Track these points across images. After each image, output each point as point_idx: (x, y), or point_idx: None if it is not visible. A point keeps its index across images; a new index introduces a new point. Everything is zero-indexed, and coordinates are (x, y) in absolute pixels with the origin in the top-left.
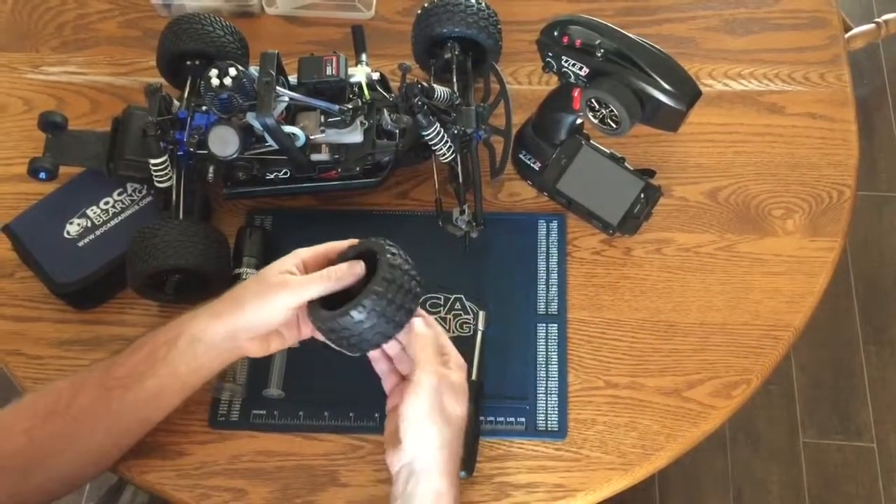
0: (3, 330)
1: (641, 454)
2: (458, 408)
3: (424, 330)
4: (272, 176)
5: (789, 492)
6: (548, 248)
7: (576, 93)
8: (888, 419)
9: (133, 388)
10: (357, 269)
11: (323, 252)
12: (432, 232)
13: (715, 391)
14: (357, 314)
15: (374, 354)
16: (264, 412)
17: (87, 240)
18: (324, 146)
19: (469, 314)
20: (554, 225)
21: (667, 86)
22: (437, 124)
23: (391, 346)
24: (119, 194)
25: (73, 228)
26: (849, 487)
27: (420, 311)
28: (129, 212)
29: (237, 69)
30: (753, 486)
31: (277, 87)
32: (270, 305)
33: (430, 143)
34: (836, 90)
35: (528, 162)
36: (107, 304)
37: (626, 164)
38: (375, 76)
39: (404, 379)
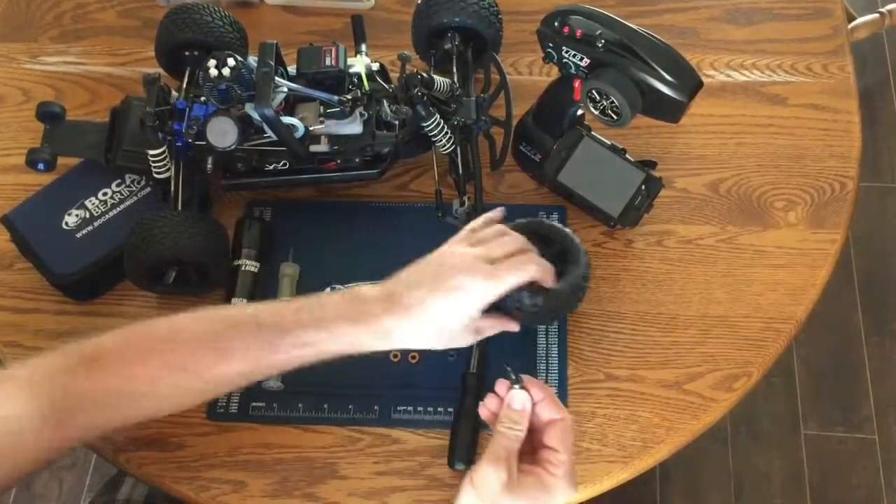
0: (1, 321)
1: (641, 447)
2: None
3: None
4: (271, 167)
5: (790, 484)
6: None
7: (576, 84)
8: (890, 411)
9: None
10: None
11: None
12: (432, 224)
13: (716, 384)
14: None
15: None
16: (263, 404)
17: (85, 231)
18: (323, 137)
19: None
20: (554, 217)
21: (668, 76)
22: (437, 115)
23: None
24: (117, 185)
25: (71, 219)
26: (850, 479)
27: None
28: (127, 203)
29: (236, 59)
30: (755, 478)
31: (276, 78)
32: (444, 344)
33: (430, 134)
34: (840, 81)
35: (529, 153)
36: (105, 296)
37: (627, 155)
38: (375, 67)
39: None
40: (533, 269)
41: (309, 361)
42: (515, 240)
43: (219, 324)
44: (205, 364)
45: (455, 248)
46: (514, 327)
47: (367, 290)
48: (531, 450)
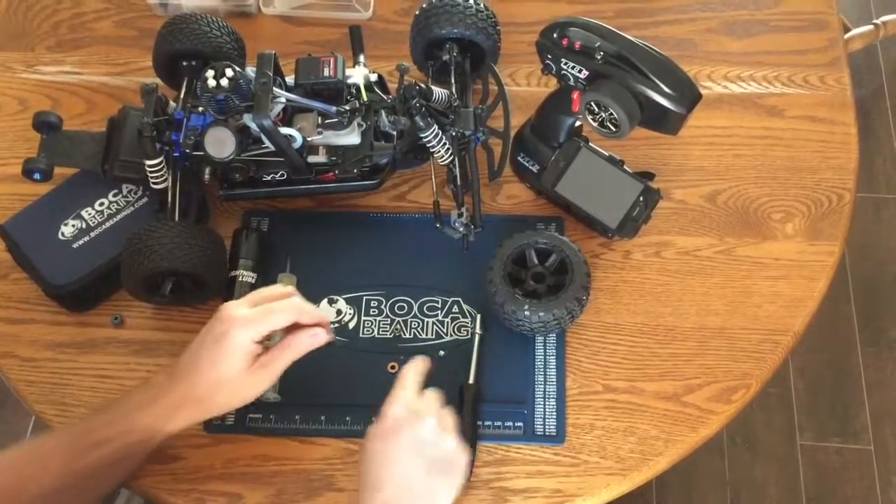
0: None
1: (640, 459)
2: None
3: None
4: (269, 178)
5: (787, 494)
6: None
7: (575, 95)
8: (886, 422)
9: (102, 474)
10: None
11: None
12: (430, 234)
13: (714, 396)
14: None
15: None
16: (260, 416)
17: (81, 241)
18: (321, 148)
19: (467, 317)
20: (552, 228)
21: (667, 89)
22: (436, 126)
23: None
24: (114, 195)
25: (67, 230)
26: (846, 490)
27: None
28: (124, 213)
29: (234, 70)
30: (751, 488)
31: (274, 88)
32: (246, 396)
33: (429, 145)
34: (836, 93)
35: (527, 164)
36: (102, 306)
37: (625, 166)
38: (373, 77)
39: None
40: (285, 312)
41: (117, 458)
42: (281, 289)
43: (31, 444)
44: (17, 490)
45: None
46: (298, 348)
47: (157, 375)
48: None
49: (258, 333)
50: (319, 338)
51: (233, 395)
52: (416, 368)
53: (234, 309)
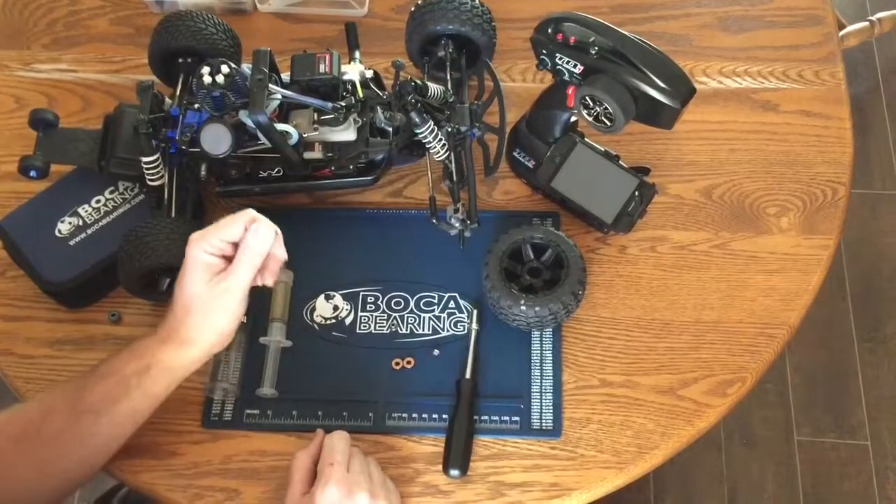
0: None
1: (636, 453)
2: None
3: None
4: (265, 174)
5: (784, 490)
6: None
7: (570, 90)
8: (882, 417)
9: (106, 413)
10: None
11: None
12: (426, 230)
13: (710, 389)
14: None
15: None
16: (258, 412)
17: (78, 238)
18: (317, 144)
19: (463, 312)
20: (548, 223)
21: (661, 83)
22: (431, 122)
23: None
24: (111, 193)
25: (64, 227)
26: (843, 485)
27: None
28: (120, 210)
29: (229, 67)
30: (748, 484)
31: (270, 85)
32: (234, 319)
33: (424, 141)
34: (831, 88)
35: (523, 160)
36: (99, 303)
37: (620, 161)
38: (369, 74)
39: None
40: (234, 219)
41: (120, 392)
42: None
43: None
44: (41, 427)
45: None
46: (249, 252)
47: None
48: None
49: (210, 244)
50: (261, 233)
51: (207, 316)
52: (342, 438)
53: (193, 233)
